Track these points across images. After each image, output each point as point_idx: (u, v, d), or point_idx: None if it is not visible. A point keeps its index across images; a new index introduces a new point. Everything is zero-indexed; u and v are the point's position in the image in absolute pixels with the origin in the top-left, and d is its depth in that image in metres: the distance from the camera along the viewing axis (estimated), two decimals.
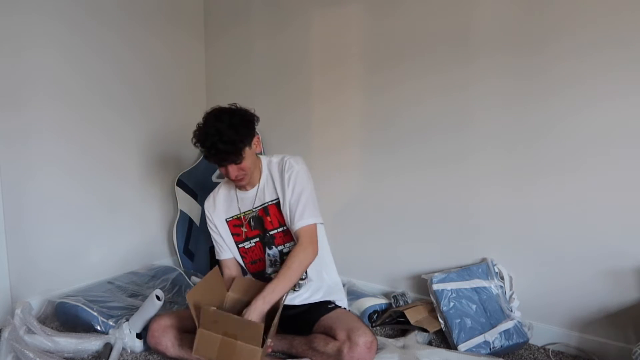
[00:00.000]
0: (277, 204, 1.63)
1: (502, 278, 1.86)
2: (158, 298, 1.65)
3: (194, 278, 2.33)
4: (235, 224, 1.72)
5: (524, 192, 1.80)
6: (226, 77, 2.67)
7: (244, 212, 1.69)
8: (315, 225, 1.58)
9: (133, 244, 2.42)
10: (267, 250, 1.68)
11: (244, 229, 1.69)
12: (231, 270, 1.73)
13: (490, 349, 1.69)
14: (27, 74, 1.86)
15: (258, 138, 1.60)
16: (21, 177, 1.89)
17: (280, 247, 1.67)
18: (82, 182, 2.13)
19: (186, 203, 2.55)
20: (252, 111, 1.58)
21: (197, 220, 2.55)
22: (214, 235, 1.75)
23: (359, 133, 2.20)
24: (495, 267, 1.86)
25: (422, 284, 2.05)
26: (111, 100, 2.21)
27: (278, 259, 1.68)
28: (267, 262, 1.69)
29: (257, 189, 1.66)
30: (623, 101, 1.58)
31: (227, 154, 1.47)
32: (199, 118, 1.56)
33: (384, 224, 2.18)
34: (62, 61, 1.98)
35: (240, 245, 1.72)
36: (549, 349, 1.78)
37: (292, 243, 1.64)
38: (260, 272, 1.72)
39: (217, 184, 2.54)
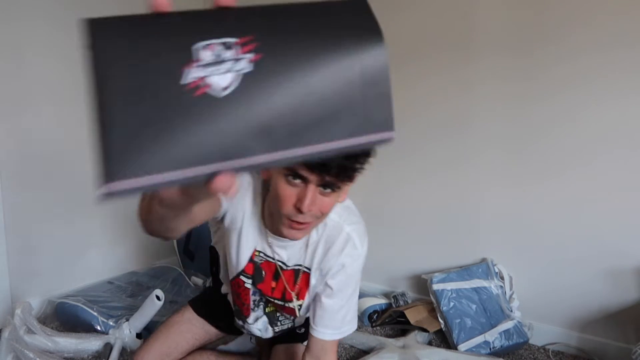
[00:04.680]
0: (308, 276, 1.11)
1: (502, 278, 1.86)
2: (158, 298, 1.65)
3: (194, 278, 2.33)
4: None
5: (524, 193, 1.80)
6: None
7: (261, 259, 1.12)
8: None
9: (133, 244, 2.42)
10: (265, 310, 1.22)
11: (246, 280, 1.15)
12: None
13: (490, 349, 1.69)
14: (27, 79, 1.87)
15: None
16: (21, 177, 1.89)
17: (282, 319, 1.23)
18: (81, 183, 2.13)
19: None
20: None
21: None
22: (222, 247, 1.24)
23: None
24: (495, 267, 1.86)
25: (422, 284, 2.05)
26: None
27: (268, 325, 1.24)
28: (255, 319, 1.23)
29: (307, 244, 1.09)
30: (623, 101, 1.58)
31: (347, 167, 0.86)
32: None
33: (384, 225, 2.17)
34: (61, 66, 1.99)
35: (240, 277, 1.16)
36: (549, 349, 1.77)
37: (291, 318, 1.23)
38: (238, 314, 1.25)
39: None
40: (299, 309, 1.16)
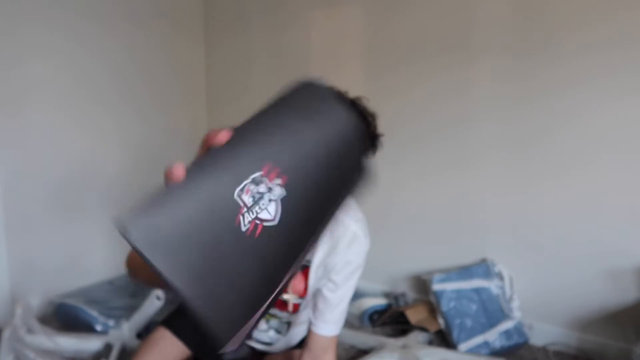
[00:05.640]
0: (308, 270, 1.07)
1: (502, 278, 1.86)
2: (158, 298, 1.65)
3: None
4: None
5: (524, 193, 1.80)
6: (227, 82, 2.66)
7: None
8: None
9: None
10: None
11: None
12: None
13: (490, 349, 1.69)
14: (27, 81, 1.88)
15: None
16: (21, 177, 1.89)
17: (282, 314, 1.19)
18: (81, 184, 2.13)
19: None
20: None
21: None
22: None
23: None
24: (495, 267, 1.86)
25: (422, 284, 2.05)
26: (110, 106, 2.21)
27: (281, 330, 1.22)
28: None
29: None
30: (623, 102, 1.58)
31: None
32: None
33: (384, 225, 2.17)
34: (61, 68, 1.99)
35: None
36: (549, 349, 1.77)
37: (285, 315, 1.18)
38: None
39: None
40: (293, 307, 1.13)
